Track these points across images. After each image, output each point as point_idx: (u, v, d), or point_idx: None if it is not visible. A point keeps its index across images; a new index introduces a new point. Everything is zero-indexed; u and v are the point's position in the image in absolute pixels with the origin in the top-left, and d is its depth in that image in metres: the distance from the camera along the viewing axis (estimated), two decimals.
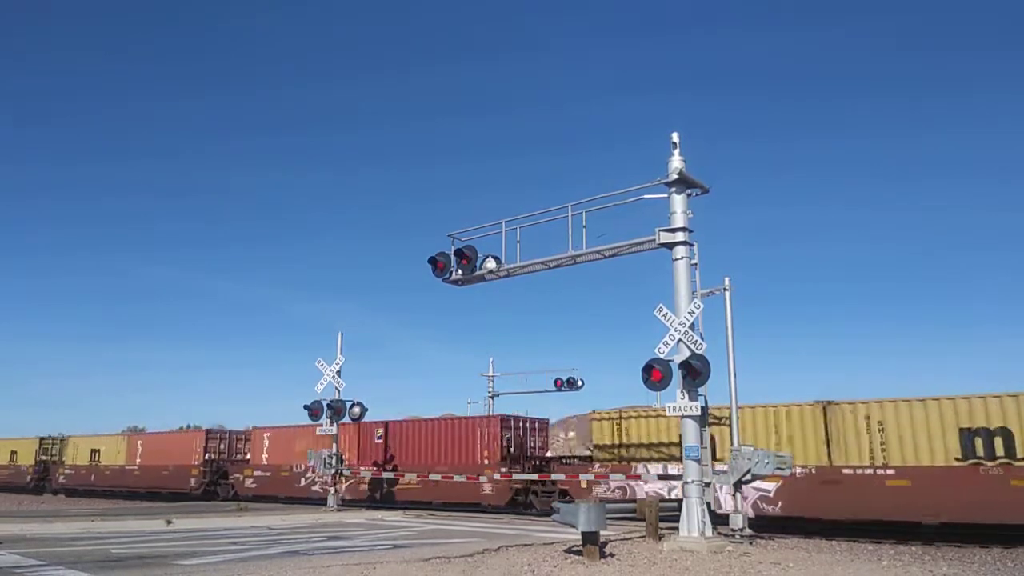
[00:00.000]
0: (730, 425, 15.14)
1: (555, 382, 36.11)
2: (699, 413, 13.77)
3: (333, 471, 25.19)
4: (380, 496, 27.17)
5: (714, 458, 14.75)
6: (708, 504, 13.64)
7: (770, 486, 18.29)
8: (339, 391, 25.04)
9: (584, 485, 21.85)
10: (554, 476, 23.06)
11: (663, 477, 20.30)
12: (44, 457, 42.72)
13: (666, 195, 14.69)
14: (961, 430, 16.30)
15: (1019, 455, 15.61)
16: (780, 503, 18.27)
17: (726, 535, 13.81)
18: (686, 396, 13.79)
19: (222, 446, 35.13)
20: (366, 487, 27.57)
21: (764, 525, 17.53)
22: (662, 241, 14.49)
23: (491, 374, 38.72)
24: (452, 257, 17.72)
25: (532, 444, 26.12)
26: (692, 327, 13.87)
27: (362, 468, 27.46)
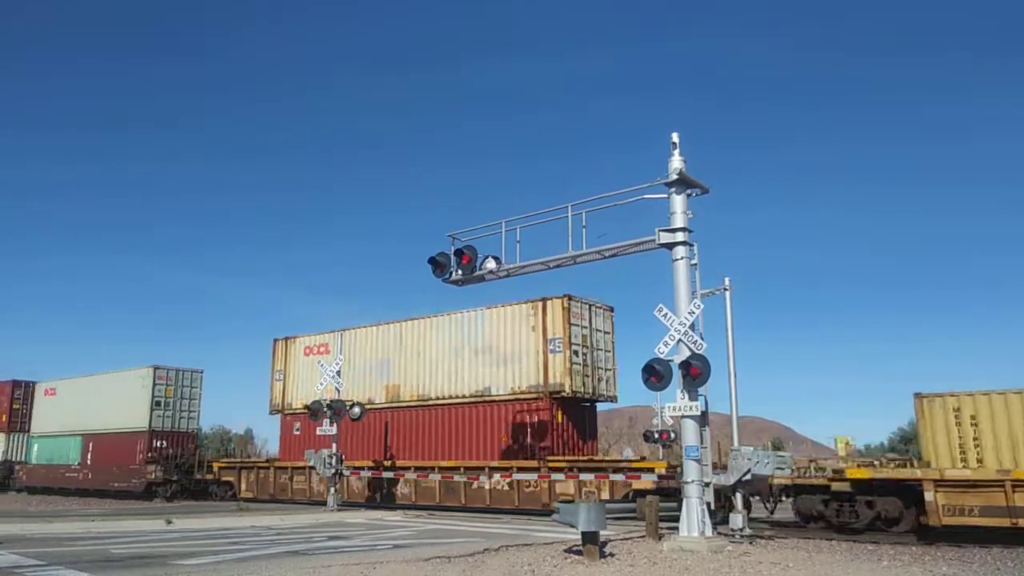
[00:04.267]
0: (730, 424, 15.15)
1: None
2: (699, 413, 13.78)
3: (333, 471, 25.16)
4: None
5: None
6: (708, 504, 13.65)
7: None
8: (339, 391, 25.06)
9: None
10: None
11: None
12: None
13: (666, 195, 14.68)
14: None
15: None
16: None
17: (726, 535, 13.81)
18: (686, 396, 13.79)
19: None
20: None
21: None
22: (662, 241, 14.49)
23: None
24: (452, 257, 17.70)
25: None
26: (692, 327, 13.87)
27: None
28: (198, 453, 36.69)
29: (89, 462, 37.94)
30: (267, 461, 32.57)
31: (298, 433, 30.59)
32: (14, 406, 42.92)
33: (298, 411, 30.05)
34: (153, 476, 33.84)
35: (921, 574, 10.99)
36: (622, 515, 19.51)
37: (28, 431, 42.95)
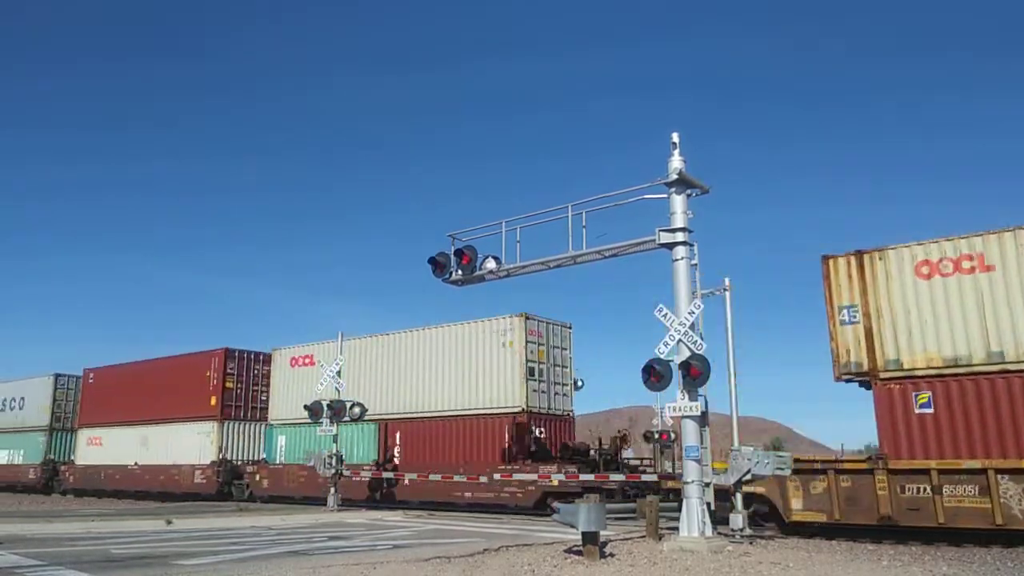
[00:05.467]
0: (730, 424, 15.15)
1: None
2: (699, 413, 13.79)
3: (333, 471, 25.15)
4: None
5: None
6: (708, 504, 13.66)
7: None
8: (339, 391, 25.07)
9: None
10: None
11: None
12: None
13: (666, 195, 14.69)
14: None
15: None
16: None
17: (726, 535, 13.81)
18: (686, 396, 13.80)
19: None
20: None
21: None
22: (662, 241, 14.50)
23: None
24: (452, 257, 17.69)
25: None
26: (692, 327, 13.88)
27: None
28: (624, 442, 23.87)
29: (398, 459, 26.26)
30: (867, 460, 16.89)
31: (928, 411, 15.79)
32: (227, 385, 31.12)
33: (919, 372, 15.84)
34: (551, 481, 21.49)
35: (921, 574, 11.00)
36: (622, 515, 19.52)
37: (260, 419, 31.23)
